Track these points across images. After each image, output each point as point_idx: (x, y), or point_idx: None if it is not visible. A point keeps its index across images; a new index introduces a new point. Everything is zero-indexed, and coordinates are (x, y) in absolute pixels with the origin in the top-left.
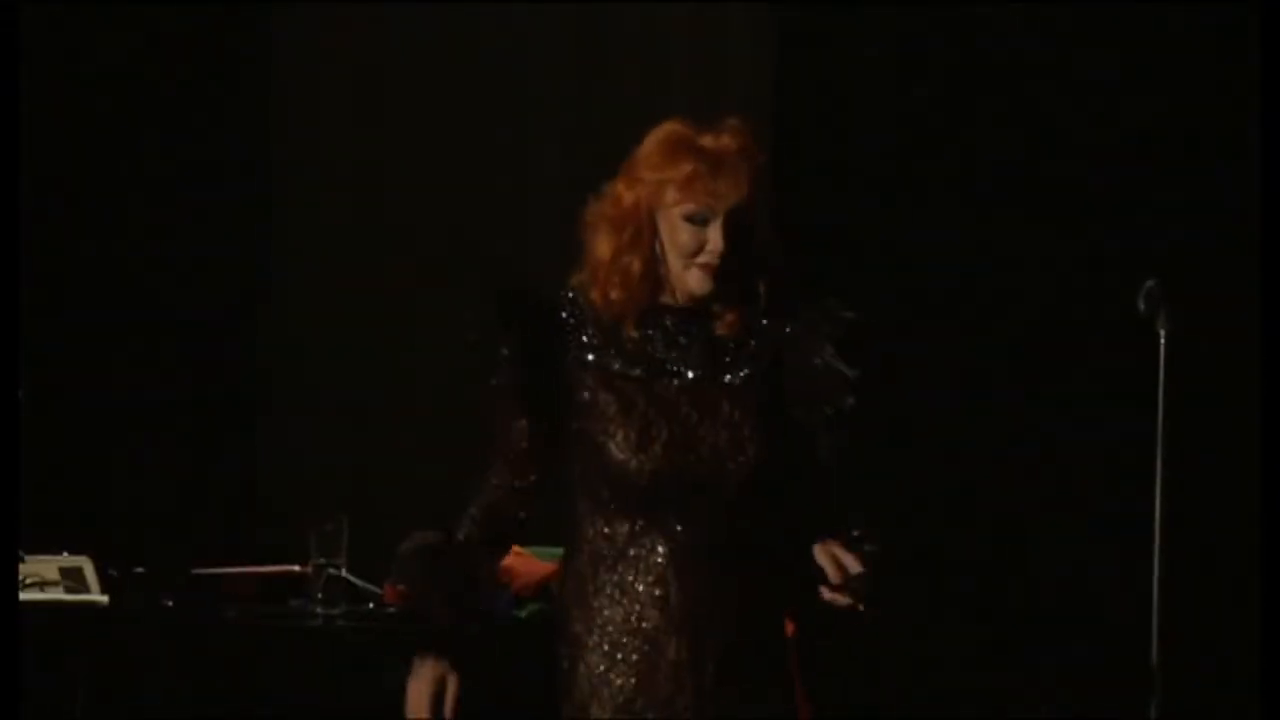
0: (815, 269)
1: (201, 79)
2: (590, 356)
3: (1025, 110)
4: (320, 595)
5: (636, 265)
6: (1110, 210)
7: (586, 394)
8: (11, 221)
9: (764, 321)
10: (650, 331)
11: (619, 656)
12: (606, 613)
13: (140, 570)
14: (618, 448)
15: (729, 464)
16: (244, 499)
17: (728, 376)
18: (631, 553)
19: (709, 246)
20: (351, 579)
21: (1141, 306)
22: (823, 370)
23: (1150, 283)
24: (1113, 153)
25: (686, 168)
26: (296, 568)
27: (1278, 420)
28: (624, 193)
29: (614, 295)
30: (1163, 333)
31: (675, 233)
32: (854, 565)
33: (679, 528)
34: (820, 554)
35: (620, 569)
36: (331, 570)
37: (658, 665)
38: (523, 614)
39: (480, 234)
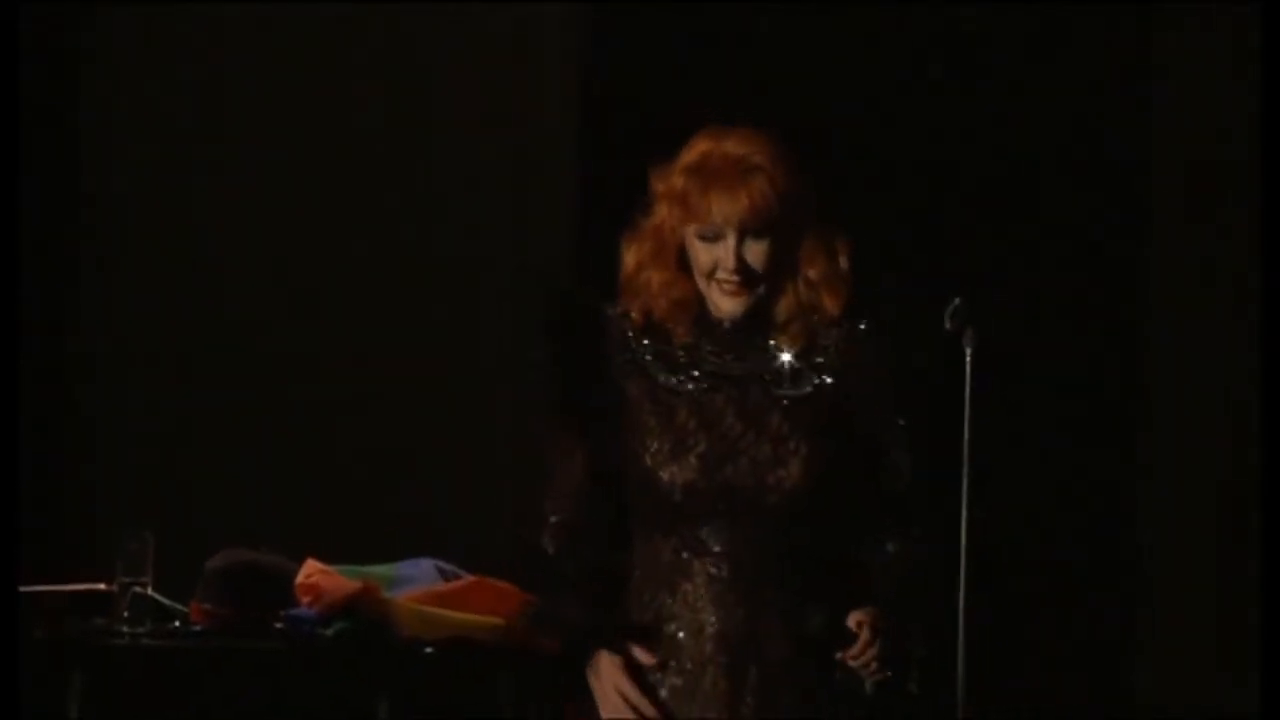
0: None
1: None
2: (636, 369)
3: (842, 112)
4: (126, 613)
5: (655, 280)
6: (915, 226)
7: (631, 407)
8: None
9: (833, 332)
10: (704, 342)
11: (659, 685)
12: (651, 632)
13: None
14: (651, 459)
15: (768, 478)
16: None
17: (783, 390)
18: (672, 575)
19: (721, 264)
20: (157, 597)
21: (948, 324)
22: (888, 381)
23: (956, 300)
24: (921, 165)
25: (685, 183)
26: (102, 585)
27: (1278, 420)
28: (654, 209)
29: (642, 311)
30: (969, 349)
31: (694, 251)
32: (869, 644)
33: (717, 549)
34: (851, 619)
35: (663, 593)
36: (137, 588)
37: (694, 695)
38: (329, 632)
39: (302, 231)
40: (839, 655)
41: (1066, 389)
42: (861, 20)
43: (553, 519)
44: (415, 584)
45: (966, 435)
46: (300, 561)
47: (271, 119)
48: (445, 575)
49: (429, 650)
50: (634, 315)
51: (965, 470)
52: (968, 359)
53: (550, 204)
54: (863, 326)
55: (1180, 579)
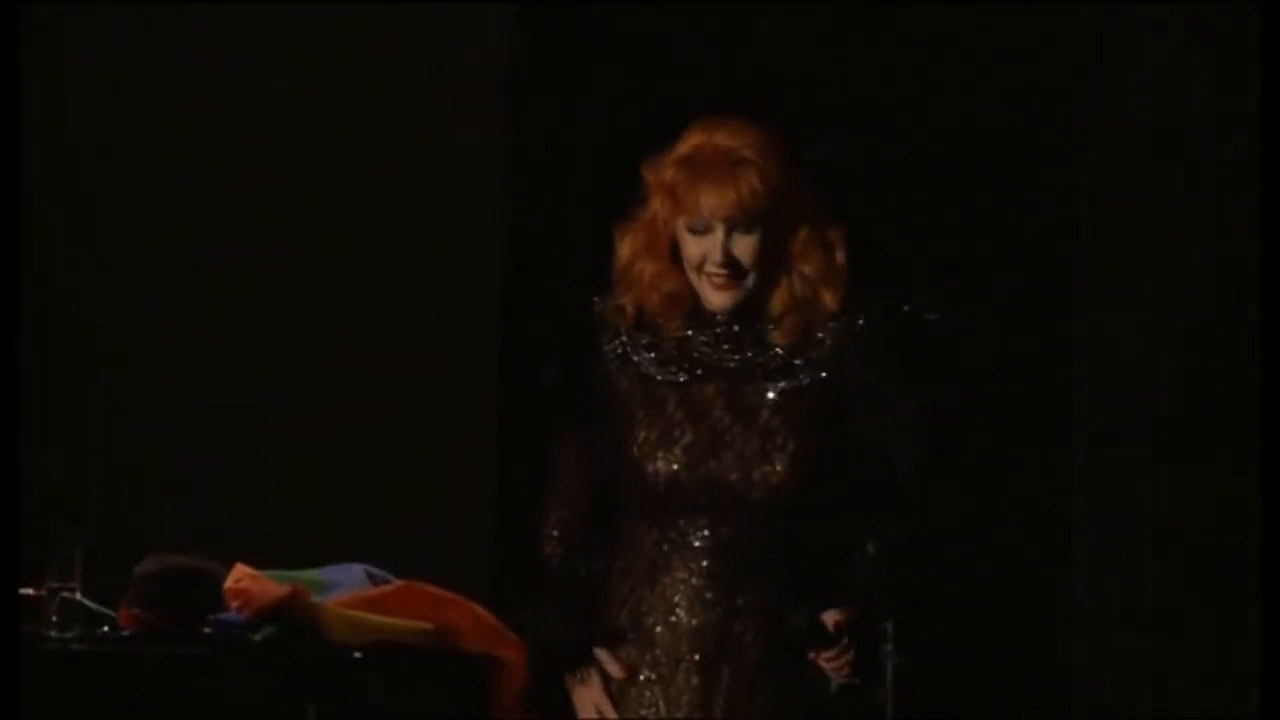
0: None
1: None
2: (626, 361)
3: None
4: (54, 619)
5: (648, 270)
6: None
7: (621, 399)
8: None
9: (830, 326)
10: (697, 335)
11: (636, 681)
12: (630, 635)
13: None
14: (638, 450)
15: (754, 473)
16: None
17: (775, 384)
18: (653, 568)
19: (709, 258)
20: (86, 602)
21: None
22: (887, 377)
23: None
24: (872, 163)
25: (673, 175)
26: (30, 590)
27: (1278, 421)
28: (648, 200)
29: (635, 305)
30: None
31: (684, 244)
32: (847, 647)
33: (698, 544)
34: (827, 618)
35: (642, 586)
36: (65, 594)
37: (666, 692)
38: (257, 637)
39: (242, 234)
40: (811, 655)
41: (993, 393)
42: (798, 17)
43: (553, 532)
44: (344, 589)
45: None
46: (229, 566)
47: (205, 123)
48: (374, 580)
49: (358, 655)
50: (627, 307)
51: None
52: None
53: (480, 212)
54: (861, 321)
55: (1108, 593)
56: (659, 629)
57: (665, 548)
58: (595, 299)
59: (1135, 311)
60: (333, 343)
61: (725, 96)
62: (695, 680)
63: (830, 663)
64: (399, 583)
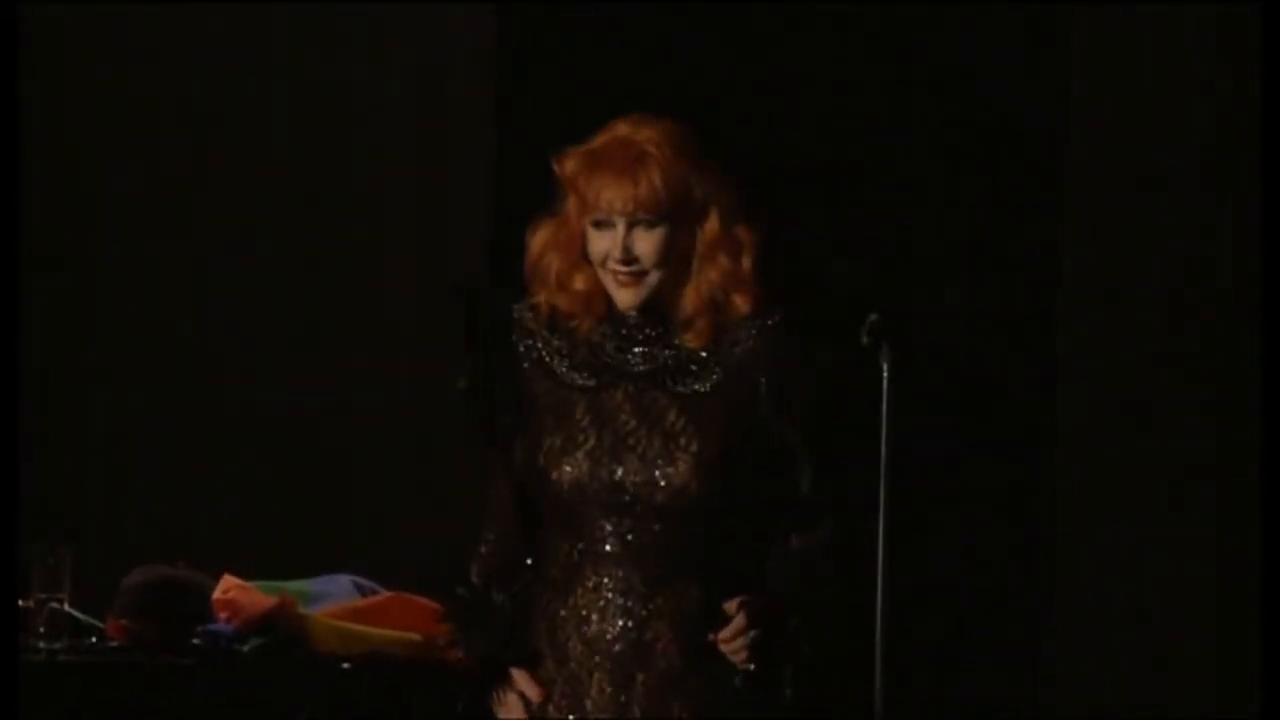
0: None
1: None
2: (540, 365)
3: (751, 117)
4: (42, 629)
5: (556, 266)
6: (833, 241)
7: (533, 405)
8: None
9: (744, 328)
10: (607, 337)
11: (550, 696)
12: (543, 647)
13: None
14: (544, 457)
15: (656, 475)
16: None
17: (683, 386)
18: (568, 578)
19: (610, 254)
20: (74, 612)
21: (864, 340)
22: (799, 378)
23: (873, 316)
24: (836, 178)
25: (577, 169)
26: (19, 602)
27: (1278, 421)
28: (560, 196)
29: (541, 301)
30: (885, 365)
31: (589, 240)
32: (741, 629)
33: (607, 550)
34: (728, 604)
35: (557, 599)
36: (53, 604)
37: (580, 702)
38: (246, 648)
39: (220, 239)
40: (710, 636)
41: (977, 399)
42: (773, 19)
43: (482, 548)
44: (332, 599)
45: (884, 452)
46: (217, 577)
47: (183, 123)
48: (362, 591)
49: (346, 665)
50: (541, 307)
51: (883, 486)
52: (884, 375)
53: (465, 208)
54: (772, 322)
55: (1094, 586)
56: (571, 640)
57: (576, 556)
58: (515, 305)
59: (1119, 306)
60: (319, 349)
61: (708, 95)
62: (608, 690)
63: (726, 644)
64: (387, 594)
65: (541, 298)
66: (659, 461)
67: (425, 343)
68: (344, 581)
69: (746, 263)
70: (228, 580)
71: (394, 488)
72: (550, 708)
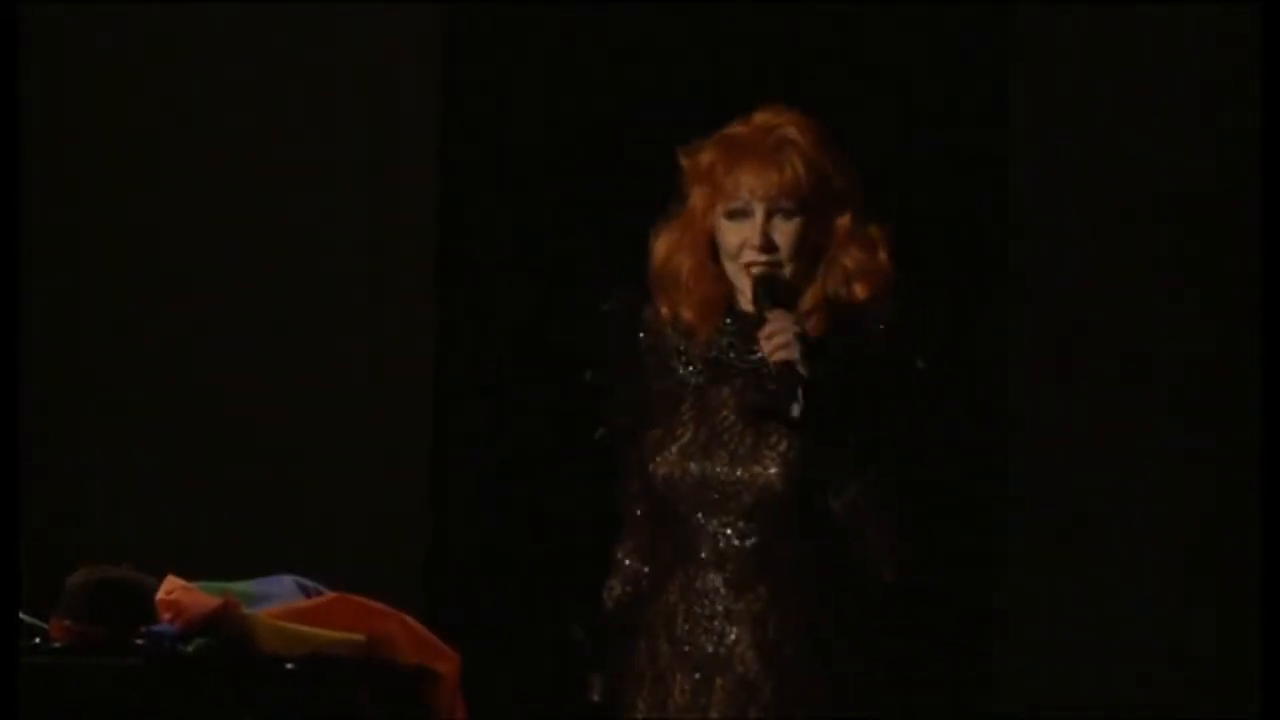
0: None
1: None
2: (662, 365)
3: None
4: None
5: (685, 264)
6: None
7: (655, 404)
8: None
9: (856, 323)
10: (724, 334)
11: (639, 693)
12: (641, 644)
13: None
14: (645, 452)
15: (741, 472)
16: None
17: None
18: (663, 576)
19: (749, 243)
20: (20, 615)
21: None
22: (902, 374)
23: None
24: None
25: (711, 159)
26: None
27: (1278, 420)
28: (686, 196)
29: (665, 304)
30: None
31: (723, 235)
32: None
33: (699, 547)
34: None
35: (654, 595)
36: None
37: (665, 705)
38: (189, 648)
39: (170, 237)
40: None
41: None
42: (725, 17)
43: (626, 562)
44: (276, 600)
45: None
46: (161, 577)
47: (131, 123)
48: (306, 591)
49: (290, 666)
50: (664, 310)
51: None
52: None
53: (412, 209)
54: (885, 319)
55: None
56: (660, 639)
57: (671, 554)
58: (625, 299)
59: (1070, 302)
60: (261, 349)
61: (659, 92)
62: (689, 690)
63: (770, 335)
64: (330, 594)
65: (664, 302)
66: (747, 458)
67: (370, 342)
68: (288, 582)
69: (883, 256)
70: (171, 581)
71: (337, 487)
72: (640, 704)
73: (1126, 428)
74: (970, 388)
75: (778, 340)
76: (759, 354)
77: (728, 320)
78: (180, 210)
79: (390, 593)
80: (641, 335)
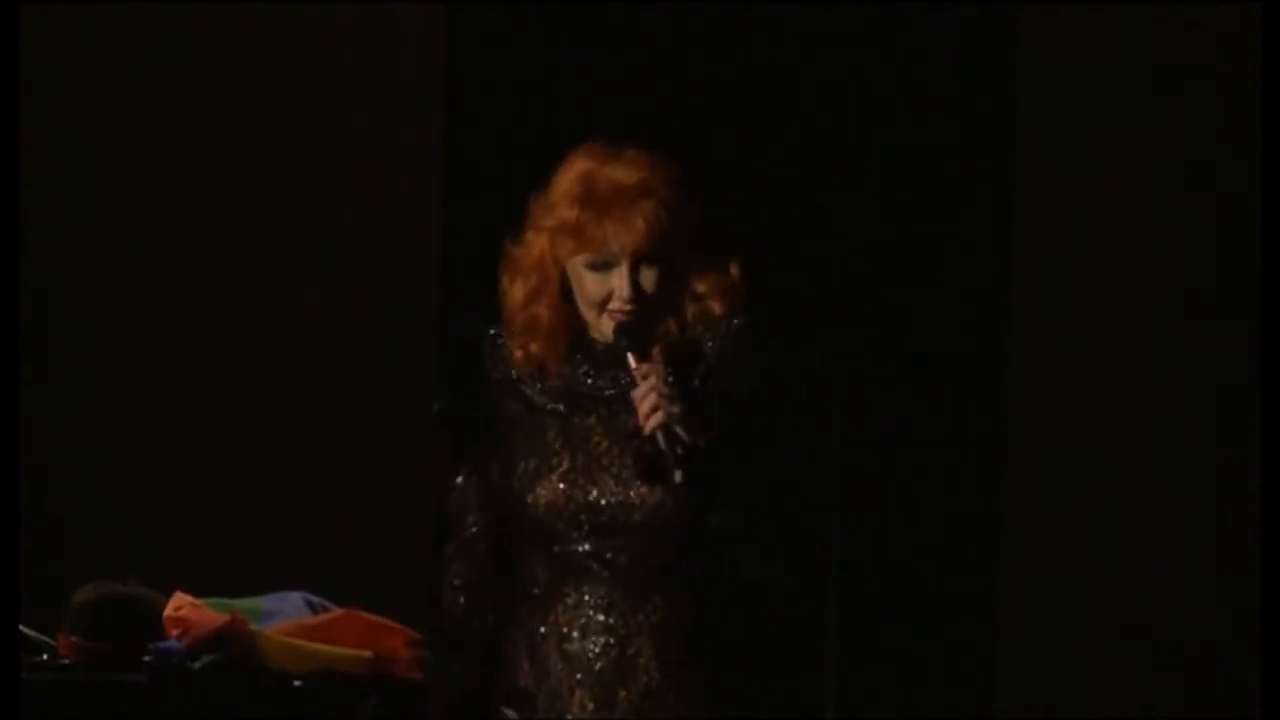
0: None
1: None
2: (513, 390)
3: (701, 119)
4: None
5: (545, 315)
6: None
7: (507, 428)
8: None
9: (711, 336)
10: (579, 363)
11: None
12: (525, 665)
13: None
14: (518, 481)
15: (631, 495)
16: None
17: None
18: (547, 598)
19: (616, 294)
20: (24, 630)
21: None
22: (759, 370)
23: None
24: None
25: (574, 214)
26: None
27: (1278, 420)
28: (532, 240)
29: (525, 347)
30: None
31: (581, 283)
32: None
33: (587, 566)
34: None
35: (536, 616)
36: None
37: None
38: (197, 665)
39: (160, 250)
40: (633, 366)
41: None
42: (724, 23)
43: (455, 581)
44: (284, 616)
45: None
46: (169, 594)
47: (131, 123)
48: (314, 608)
49: (298, 683)
50: (516, 349)
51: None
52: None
53: (414, 226)
54: (737, 322)
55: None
56: (551, 656)
57: (556, 574)
58: (491, 331)
59: (1071, 300)
60: (262, 350)
61: (658, 96)
62: (590, 706)
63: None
64: (339, 611)
65: (518, 342)
66: (634, 481)
67: (373, 353)
68: (295, 599)
69: (734, 271)
70: (179, 597)
71: (344, 505)
72: None
73: (1126, 428)
74: (970, 387)
75: (647, 405)
76: (624, 381)
77: (578, 355)
78: (180, 210)
79: (398, 609)
80: (489, 361)
